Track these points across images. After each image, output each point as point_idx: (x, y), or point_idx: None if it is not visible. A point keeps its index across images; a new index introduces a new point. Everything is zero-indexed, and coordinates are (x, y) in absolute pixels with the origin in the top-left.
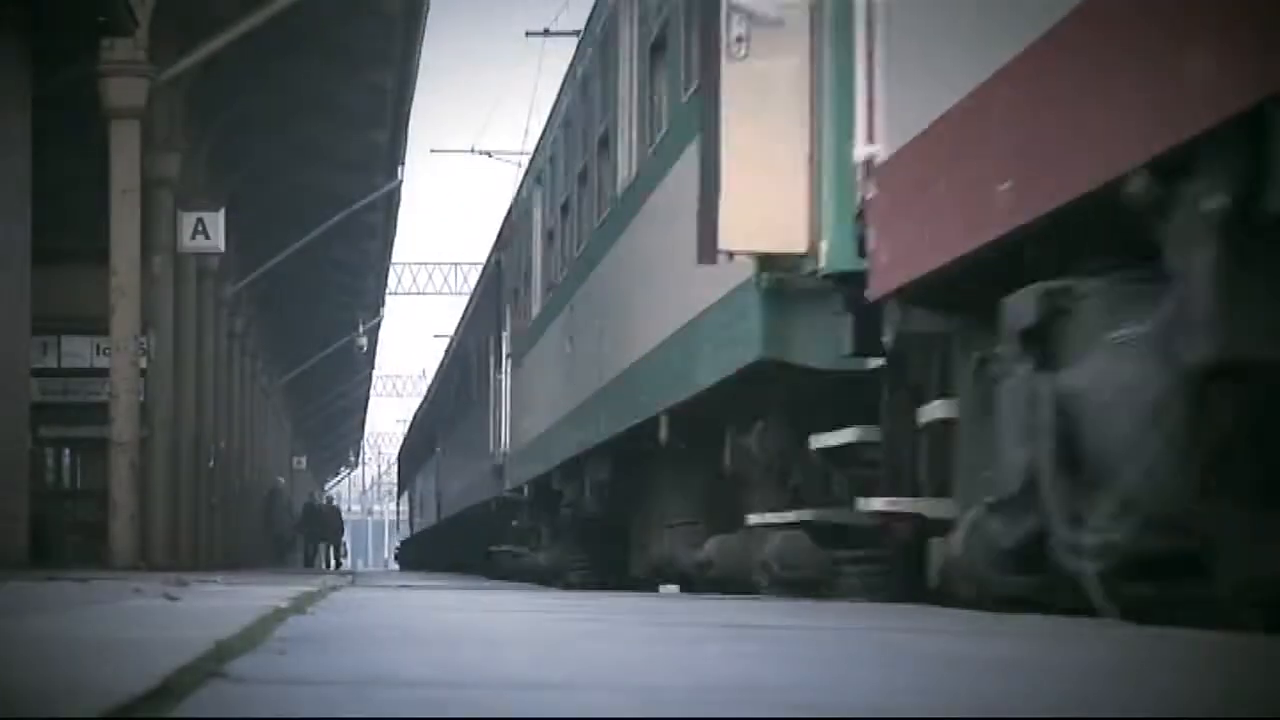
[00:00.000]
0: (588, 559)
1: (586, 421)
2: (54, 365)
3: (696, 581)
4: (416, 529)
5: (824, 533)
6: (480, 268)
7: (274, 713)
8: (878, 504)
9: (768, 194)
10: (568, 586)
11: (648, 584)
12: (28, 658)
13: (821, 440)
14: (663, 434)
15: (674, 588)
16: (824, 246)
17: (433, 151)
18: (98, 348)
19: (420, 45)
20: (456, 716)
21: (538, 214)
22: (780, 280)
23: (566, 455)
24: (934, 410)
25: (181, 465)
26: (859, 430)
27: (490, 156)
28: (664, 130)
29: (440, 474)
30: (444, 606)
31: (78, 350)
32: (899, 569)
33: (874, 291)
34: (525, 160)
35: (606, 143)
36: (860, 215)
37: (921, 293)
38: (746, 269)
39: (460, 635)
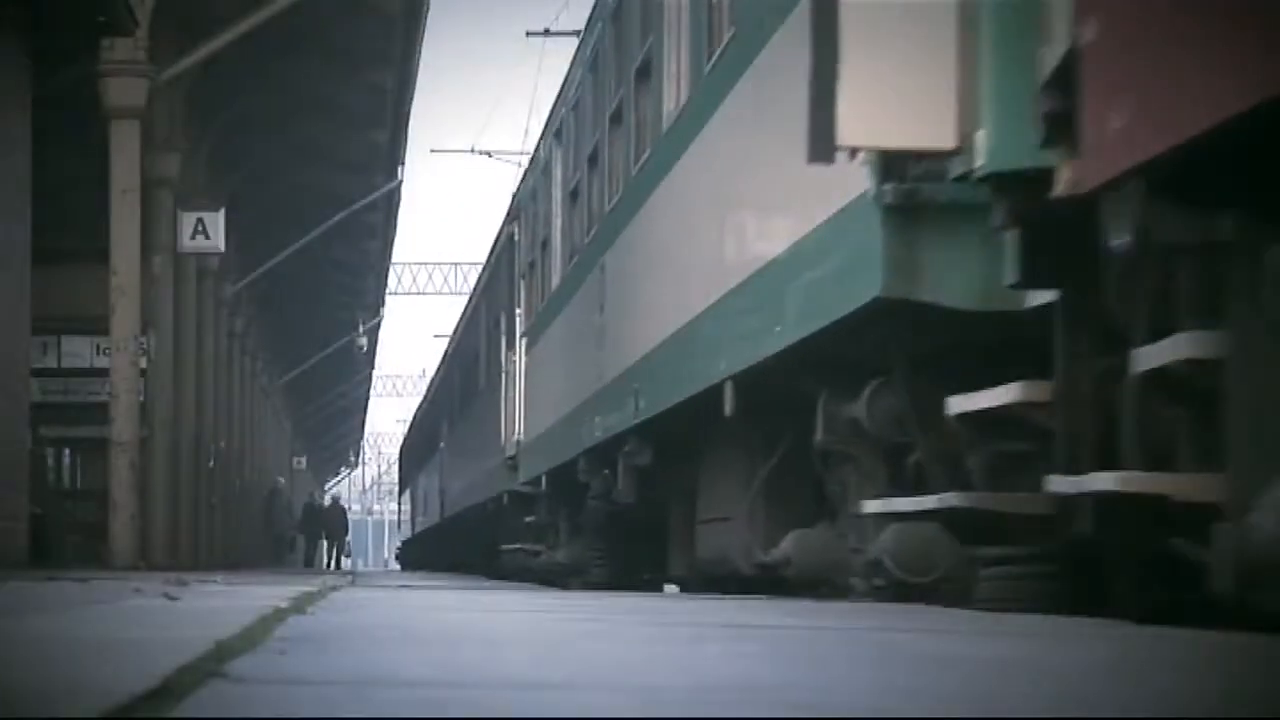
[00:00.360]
0: (616, 557)
1: (621, 399)
2: (54, 365)
3: (763, 584)
4: (418, 528)
5: (956, 525)
6: (480, 267)
7: (274, 713)
8: (1103, 480)
9: (902, 69)
10: (590, 586)
11: (683, 584)
12: (28, 657)
13: (966, 403)
14: (728, 406)
15: (674, 588)
16: (983, 137)
17: (433, 151)
18: (98, 348)
19: (420, 45)
20: (456, 717)
21: (558, 173)
22: (910, 192)
23: (595, 440)
24: (1176, 347)
25: (181, 465)
26: (1024, 387)
27: (490, 156)
28: (728, 39)
29: (444, 470)
30: (444, 606)
31: (78, 350)
32: (1072, 571)
33: (1090, 179)
34: (525, 160)
35: (647, 72)
36: (1057, 78)
37: (1190, 168)
38: (857, 183)
39: (460, 635)
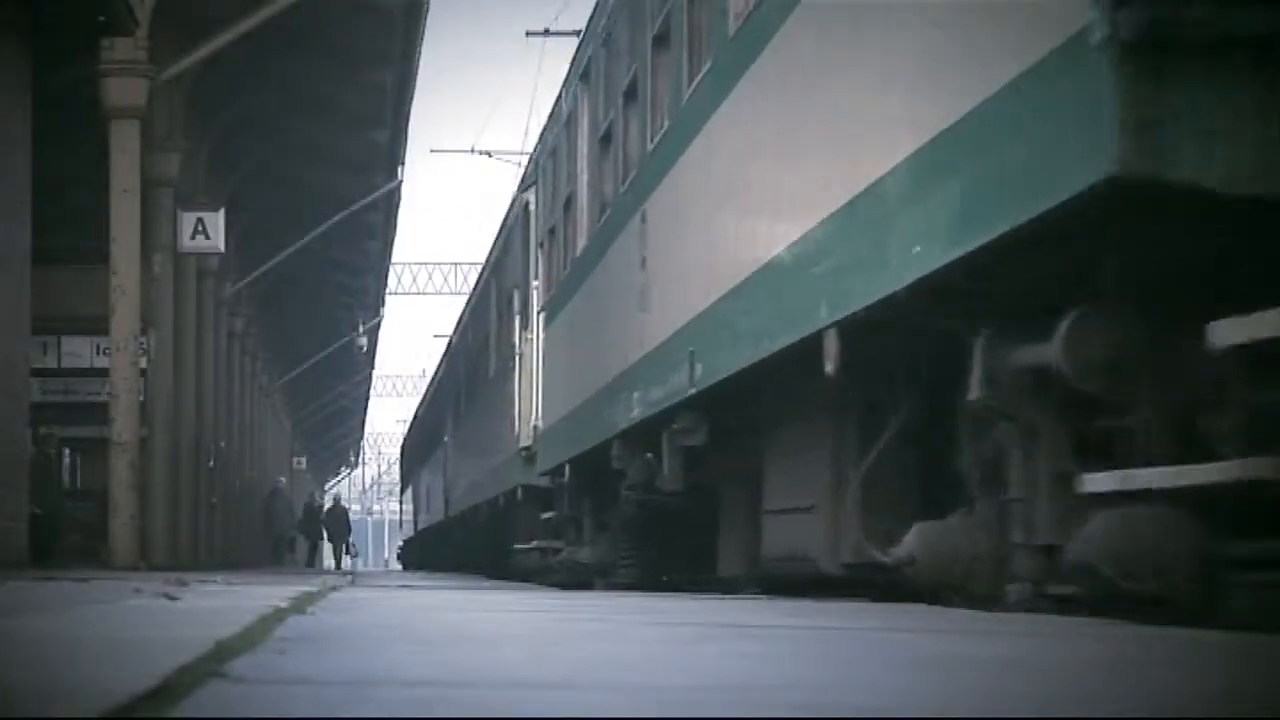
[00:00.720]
0: (650, 555)
1: (670, 368)
2: (54, 365)
3: (852, 586)
4: (421, 526)
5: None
6: (480, 267)
7: (274, 712)
8: None
9: None
10: (617, 589)
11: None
12: (28, 657)
13: (1246, 329)
14: (829, 362)
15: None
16: None
17: (433, 151)
18: (98, 348)
19: (420, 45)
20: (456, 716)
21: (585, 120)
22: (1160, 22)
23: (634, 419)
24: None
25: (181, 465)
26: None
27: (490, 156)
28: None
29: (449, 465)
30: (444, 606)
31: (78, 350)
32: None
33: None
34: (525, 160)
35: None
36: None
37: None
38: (1068, 15)
39: (460, 635)
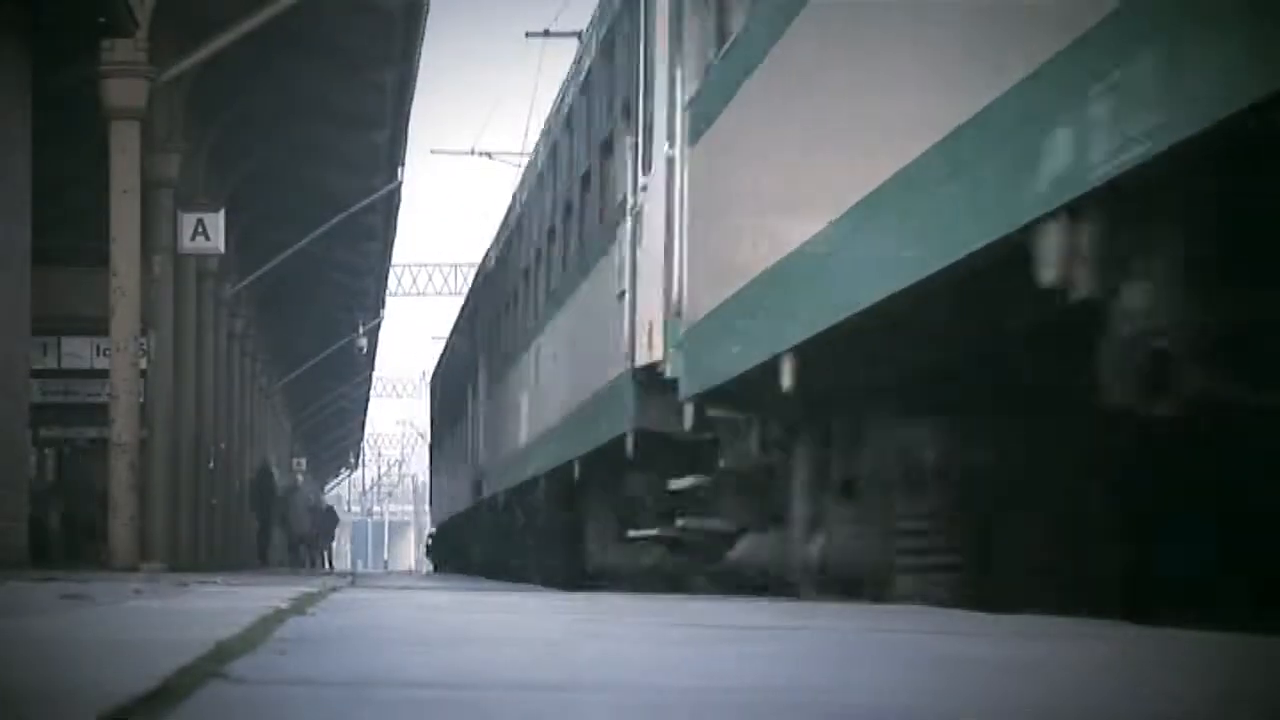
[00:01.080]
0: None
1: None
2: (54, 366)
3: None
4: (444, 517)
5: None
6: (478, 268)
7: (274, 714)
8: None
9: None
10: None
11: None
12: (28, 659)
13: None
14: None
15: None
16: None
17: (433, 152)
18: (98, 349)
19: (420, 45)
20: (455, 718)
21: None
22: None
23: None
24: None
25: (181, 466)
26: None
27: (490, 157)
28: None
29: (483, 428)
30: (445, 608)
31: (78, 351)
32: None
33: None
34: (525, 162)
35: None
36: None
37: None
38: None
39: (462, 637)
